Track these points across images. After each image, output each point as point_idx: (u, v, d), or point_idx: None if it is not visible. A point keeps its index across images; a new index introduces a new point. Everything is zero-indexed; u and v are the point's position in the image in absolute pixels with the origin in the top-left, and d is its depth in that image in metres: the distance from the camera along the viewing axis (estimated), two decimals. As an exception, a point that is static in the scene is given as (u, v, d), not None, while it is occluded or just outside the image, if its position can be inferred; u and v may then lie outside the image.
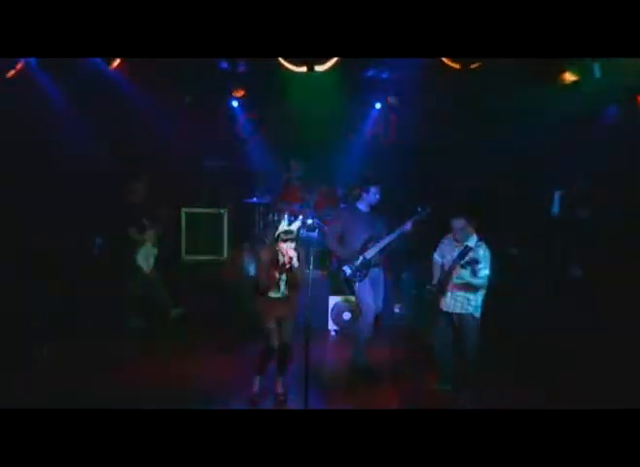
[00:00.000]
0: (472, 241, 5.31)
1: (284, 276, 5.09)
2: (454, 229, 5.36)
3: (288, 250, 4.95)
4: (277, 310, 5.14)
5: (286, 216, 5.17)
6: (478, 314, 5.33)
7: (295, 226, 5.15)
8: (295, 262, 4.97)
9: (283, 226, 5.09)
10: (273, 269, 5.04)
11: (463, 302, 5.30)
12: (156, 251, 7.57)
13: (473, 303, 5.29)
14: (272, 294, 5.16)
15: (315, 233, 7.92)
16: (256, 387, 5.24)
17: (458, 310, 5.32)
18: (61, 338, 6.40)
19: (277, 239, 5.03)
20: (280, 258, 5.01)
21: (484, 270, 5.21)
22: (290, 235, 5.01)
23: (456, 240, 5.38)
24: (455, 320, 5.37)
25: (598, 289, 6.54)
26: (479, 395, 5.23)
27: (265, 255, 5.11)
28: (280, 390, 5.29)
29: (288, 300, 5.19)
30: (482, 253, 5.24)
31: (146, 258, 7.47)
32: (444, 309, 5.40)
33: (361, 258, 5.86)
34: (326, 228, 7.42)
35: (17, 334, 6.07)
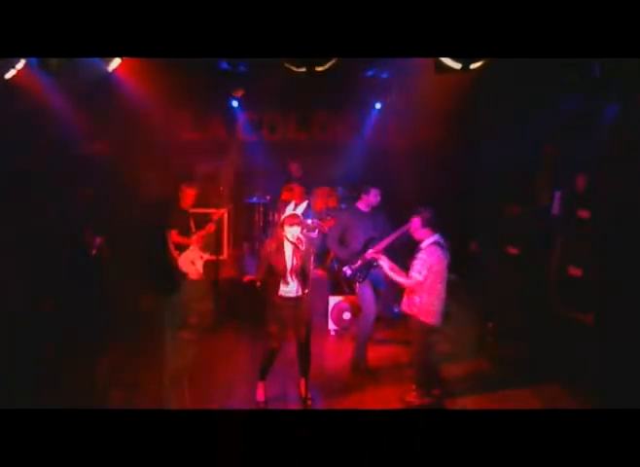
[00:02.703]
0: (425, 242, 5.11)
1: (291, 262, 4.94)
2: (410, 228, 5.22)
3: (295, 234, 4.87)
4: (289, 312, 5.02)
5: (293, 203, 5.03)
6: (426, 318, 5.06)
7: (300, 210, 5.01)
8: (302, 246, 4.90)
9: (289, 210, 4.97)
10: (281, 257, 4.94)
11: (410, 303, 5.16)
12: (204, 254, 7.14)
13: (417, 304, 5.08)
14: (284, 291, 5.02)
15: (315, 234, 7.91)
16: (261, 395, 5.16)
17: (406, 311, 5.22)
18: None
19: (282, 225, 4.92)
20: (286, 244, 4.91)
21: (414, 274, 5.00)
22: (296, 220, 4.91)
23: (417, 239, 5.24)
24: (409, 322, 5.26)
25: (598, 288, 6.53)
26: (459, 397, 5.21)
27: (270, 244, 5.02)
28: (305, 393, 5.18)
29: (299, 300, 5.05)
30: (420, 255, 5.04)
31: (191, 262, 6.97)
32: (402, 309, 5.33)
33: (361, 259, 5.86)
34: (326, 228, 7.41)
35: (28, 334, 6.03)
